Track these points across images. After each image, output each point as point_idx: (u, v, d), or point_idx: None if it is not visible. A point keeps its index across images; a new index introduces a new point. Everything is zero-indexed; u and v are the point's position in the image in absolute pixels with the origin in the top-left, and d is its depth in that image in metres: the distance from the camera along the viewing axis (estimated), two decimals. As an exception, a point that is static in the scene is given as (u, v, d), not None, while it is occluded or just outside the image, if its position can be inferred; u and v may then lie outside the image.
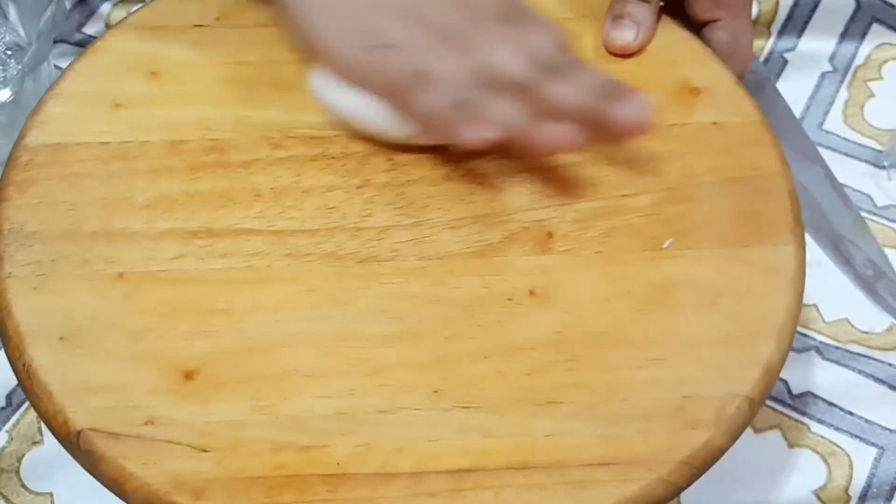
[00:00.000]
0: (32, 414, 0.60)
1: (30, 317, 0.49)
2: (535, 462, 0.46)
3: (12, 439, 0.59)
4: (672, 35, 0.59)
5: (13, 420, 0.60)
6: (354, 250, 0.51)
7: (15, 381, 0.49)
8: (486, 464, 0.46)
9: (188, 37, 0.57)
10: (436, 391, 0.48)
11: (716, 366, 0.48)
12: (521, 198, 0.53)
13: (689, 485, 0.46)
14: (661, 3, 0.59)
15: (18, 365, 0.48)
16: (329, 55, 0.53)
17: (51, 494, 0.58)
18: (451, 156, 0.54)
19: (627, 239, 0.52)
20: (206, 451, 0.46)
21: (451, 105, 0.50)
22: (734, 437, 0.47)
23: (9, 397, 0.61)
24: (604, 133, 0.51)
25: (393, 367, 0.48)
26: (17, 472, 0.59)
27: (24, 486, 0.59)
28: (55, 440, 0.47)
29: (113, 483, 0.46)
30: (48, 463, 0.59)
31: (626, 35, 0.58)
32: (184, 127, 0.54)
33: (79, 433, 0.46)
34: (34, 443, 0.60)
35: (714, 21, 0.59)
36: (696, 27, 0.59)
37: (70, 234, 0.51)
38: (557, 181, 0.53)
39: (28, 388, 0.48)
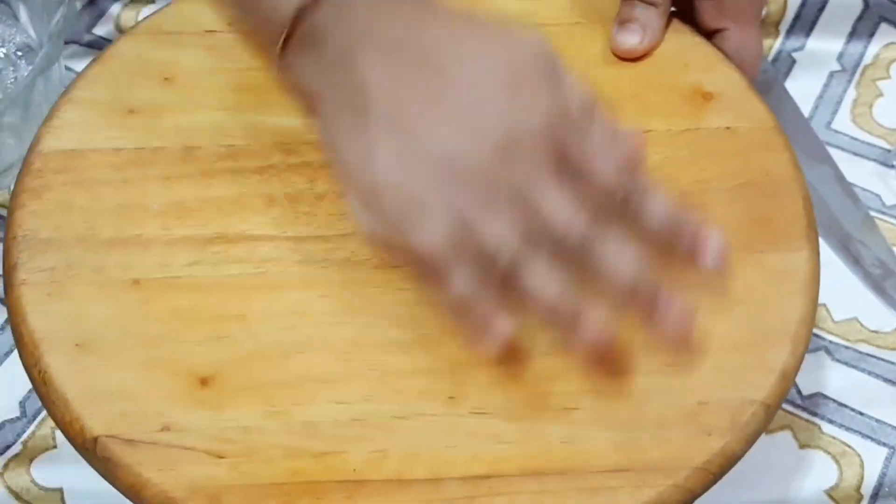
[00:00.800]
0: (48, 425, 0.60)
1: (45, 323, 0.49)
2: (550, 468, 0.46)
3: (26, 448, 0.59)
4: (684, 39, 0.59)
5: (28, 432, 0.60)
6: (369, 256, 0.51)
7: (28, 388, 0.49)
8: (500, 470, 0.46)
9: (201, 42, 0.57)
10: (451, 397, 0.48)
11: (731, 372, 0.48)
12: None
13: (704, 491, 0.46)
14: (672, 9, 0.59)
15: (34, 372, 0.48)
16: (359, 214, 0.45)
17: (61, 490, 0.58)
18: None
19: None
20: (221, 457, 0.46)
21: (483, 285, 0.43)
22: (750, 442, 0.47)
23: (22, 404, 0.61)
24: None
25: (408, 374, 0.48)
26: (28, 469, 0.59)
27: (33, 481, 0.58)
28: (68, 444, 0.47)
29: (129, 490, 0.46)
30: (59, 459, 0.59)
31: (632, 39, 0.58)
32: (197, 133, 0.54)
33: (95, 440, 0.46)
34: (47, 449, 0.60)
35: (722, 30, 0.59)
36: (706, 36, 0.59)
37: (84, 240, 0.51)
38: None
39: (43, 395, 0.48)
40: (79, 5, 0.73)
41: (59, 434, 0.59)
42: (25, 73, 0.68)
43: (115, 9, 0.75)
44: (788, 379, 0.48)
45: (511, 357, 0.46)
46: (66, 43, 0.71)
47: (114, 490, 0.46)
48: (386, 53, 0.44)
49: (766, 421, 0.48)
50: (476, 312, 0.44)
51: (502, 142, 0.43)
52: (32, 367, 0.48)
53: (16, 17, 0.70)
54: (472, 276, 0.43)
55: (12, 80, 0.69)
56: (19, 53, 0.70)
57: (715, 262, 0.45)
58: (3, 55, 0.69)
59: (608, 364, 0.45)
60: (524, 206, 0.43)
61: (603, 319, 0.43)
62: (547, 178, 0.43)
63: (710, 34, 0.60)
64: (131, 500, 0.46)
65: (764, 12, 0.74)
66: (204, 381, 0.48)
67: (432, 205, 0.43)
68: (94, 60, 0.57)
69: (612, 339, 0.44)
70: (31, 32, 0.70)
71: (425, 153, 0.43)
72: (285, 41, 0.46)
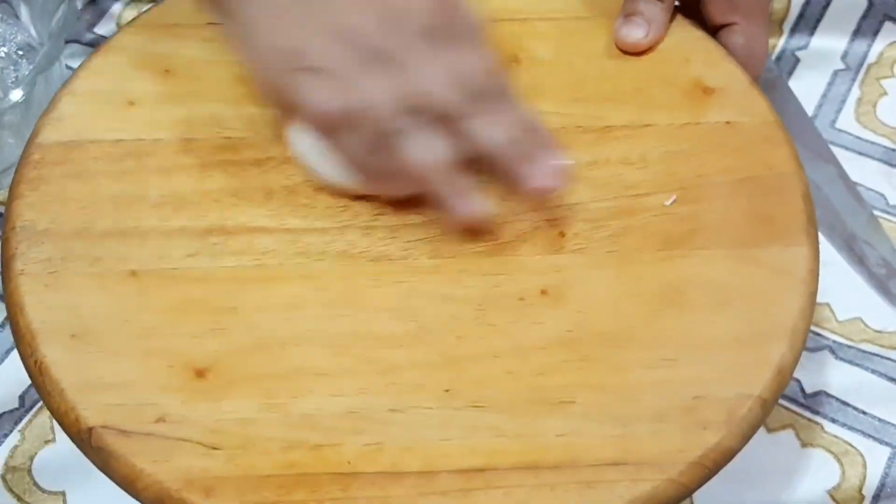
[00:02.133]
0: (45, 414, 0.60)
1: (42, 314, 0.49)
2: (546, 462, 0.46)
3: (25, 439, 0.59)
4: (686, 34, 0.59)
5: (25, 420, 0.60)
6: (366, 249, 0.51)
7: (28, 382, 0.49)
8: (496, 463, 0.46)
9: (201, 35, 0.57)
10: (447, 390, 0.47)
11: (728, 366, 0.48)
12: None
13: (700, 486, 0.46)
14: (677, 4, 0.59)
15: (30, 362, 0.48)
16: (256, 77, 0.51)
17: (63, 493, 0.58)
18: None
19: (640, 239, 0.52)
20: (217, 448, 0.46)
21: (373, 149, 0.49)
22: (746, 438, 0.47)
23: (22, 398, 0.61)
24: (513, 187, 0.50)
25: (404, 367, 0.48)
26: (30, 471, 0.59)
27: (36, 484, 0.59)
28: (67, 439, 0.47)
29: (124, 480, 0.46)
30: (60, 462, 0.59)
31: (636, 32, 0.58)
32: (196, 125, 0.54)
33: (90, 430, 0.46)
34: (46, 441, 0.60)
35: (729, 25, 0.59)
36: (712, 31, 0.59)
37: (82, 231, 0.51)
38: (570, 180, 0.53)
39: (40, 385, 0.48)
40: (79, 4, 0.73)
41: (56, 427, 0.59)
42: (26, 72, 0.68)
43: (116, 8, 0.75)
44: (786, 374, 0.48)
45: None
46: (67, 42, 0.71)
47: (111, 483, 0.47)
48: None
49: (763, 416, 0.48)
50: (371, 167, 0.49)
51: (387, 11, 0.48)
52: (29, 358, 0.48)
53: (17, 16, 0.70)
54: (360, 136, 0.48)
55: (13, 79, 0.69)
56: (20, 52, 0.70)
57: (547, 184, 0.50)
58: (3, 54, 0.69)
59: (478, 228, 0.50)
60: (402, 71, 0.48)
61: (477, 195, 0.50)
62: (425, 46, 0.49)
63: (716, 29, 0.59)
64: (126, 490, 0.46)
65: (771, 8, 0.74)
66: (200, 373, 0.48)
67: (317, 66, 0.48)
68: (94, 52, 0.57)
69: (485, 212, 0.50)
70: (32, 31, 0.70)
71: (314, 16, 0.49)
72: None
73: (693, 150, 0.54)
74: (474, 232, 0.51)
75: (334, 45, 0.48)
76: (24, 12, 0.70)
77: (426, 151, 0.49)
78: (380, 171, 0.50)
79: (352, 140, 0.49)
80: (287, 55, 0.49)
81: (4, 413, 0.60)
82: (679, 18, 0.59)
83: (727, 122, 0.55)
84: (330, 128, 0.49)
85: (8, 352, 0.62)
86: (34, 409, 0.60)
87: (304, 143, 0.51)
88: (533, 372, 0.48)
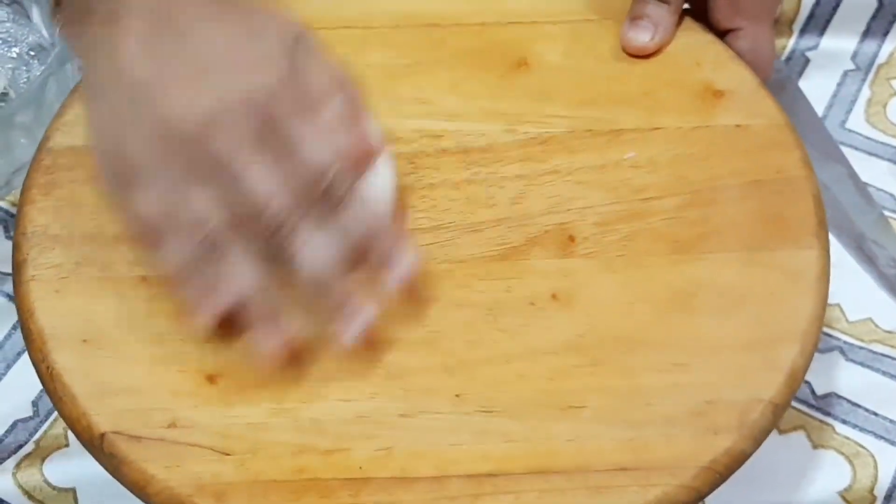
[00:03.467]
0: (59, 424, 0.60)
1: (53, 320, 0.49)
2: (557, 467, 0.46)
3: (38, 448, 0.60)
4: (695, 37, 0.58)
5: (41, 431, 0.60)
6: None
7: (39, 386, 0.49)
8: (506, 468, 0.46)
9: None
10: (457, 395, 0.47)
11: (739, 370, 0.48)
12: (542, 201, 0.53)
13: (711, 491, 0.46)
14: (685, 6, 0.59)
15: (42, 368, 0.48)
16: (101, 183, 0.47)
17: (74, 490, 0.58)
18: (473, 159, 0.54)
19: (650, 242, 0.51)
20: (228, 454, 0.46)
21: (190, 266, 0.46)
22: (758, 442, 0.47)
23: (35, 403, 0.61)
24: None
25: (414, 371, 0.48)
26: (41, 469, 0.59)
27: (46, 481, 0.59)
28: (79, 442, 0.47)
29: (135, 486, 0.46)
30: (72, 458, 0.59)
31: (642, 36, 0.57)
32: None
33: (102, 436, 0.46)
34: (59, 448, 0.60)
35: (736, 30, 0.59)
36: (719, 36, 0.59)
37: (93, 237, 0.51)
38: (579, 184, 0.53)
39: (51, 390, 0.48)
40: (91, 5, 0.73)
41: (70, 434, 0.59)
42: (38, 73, 0.68)
43: (126, 8, 0.74)
44: (797, 378, 0.48)
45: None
46: (79, 42, 0.71)
47: (124, 489, 0.47)
48: (142, 19, 0.45)
49: (775, 420, 0.47)
50: (189, 285, 0.46)
51: (213, 110, 0.44)
52: (40, 363, 0.48)
53: (28, 17, 0.70)
54: (182, 248, 0.45)
55: (25, 79, 0.69)
56: (32, 53, 0.70)
57: (399, 283, 0.48)
58: (15, 55, 0.69)
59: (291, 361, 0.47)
60: (225, 177, 0.44)
61: (288, 327, 0.46)
62: (250, 151, 0.44)
63: (723, 33, 0.59)
64: (137, 496, 0.46)
65: (778, 11, 0.74)
66: (211, 378, 0.48)
67: (145, 172, 0.45)
68: (104, 57, 0.57)
69: (293, 347, 0.47)
70: (44, 32, 0.70)
71: (146, 118, 0.45)
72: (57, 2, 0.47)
73: (703, 154, 0.54)
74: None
75: (156, 152, 0.45)
76: (35, 13, 0.70)
77: (241, 272, 0.45)
78: (198, 286, 0.46)
79: (171, 252, 0.46)
80: (114, 160, 0.46)
81: (18, 421, 0.60)
82: (688, 21, 0.59)
83: (737, 126, 0.55)
84: (148, 240, 0.46)
85: (19, 354, 0.62)
86: (49, 421, 0.60)
87: None
88: (543, 376, 0.48)
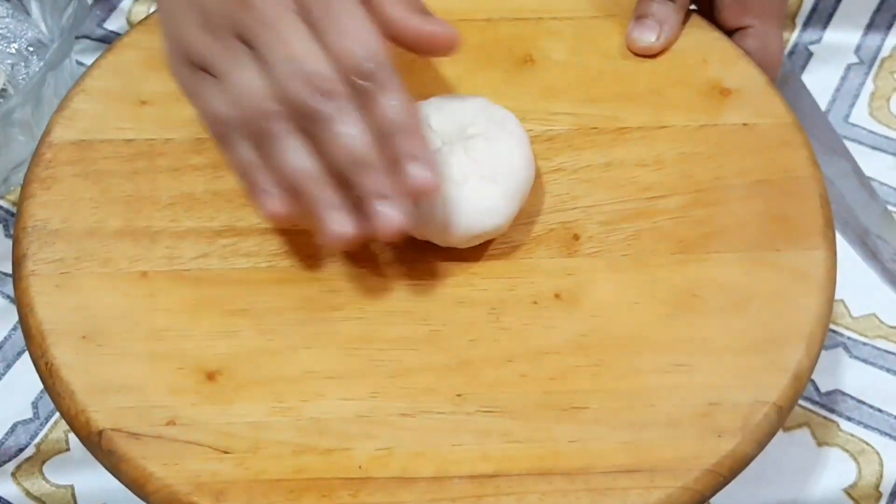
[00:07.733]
0: (60, 428, 0.60)
1: (52, 315, 0.49)
2: (559, 468, 0.46)
3: (39, 451, 0.59)
4: (703, 35, 0.58)
5: (42, 434, 0.60)
6: (379, 251, 0.51)
7: (40, 387, 0.49)
8: (508, 469, 0.46)
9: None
10: (458, 395, 0.47)
11: (743, 372, 0.48)
12: (547, 199, 0.52)
13: (714, 493, 0.46)
14: (693, 8, 0.59)
15: (41, 364, 0.48)
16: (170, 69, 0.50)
17: (72, 487, 0.58)
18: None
19: (655, 241, 0.51)
20: (227, 452, 0.46)
21: (253, 156, 0.47)
22: (762, 445, 0.47)
23: (35, 405, 0.61)
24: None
25: (415, 370, 0.48)
26: (40, 467, 0.59)
27: (45, 478, 0.58)
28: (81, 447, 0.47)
29: (134, 484, 0.46)
30: (72, 463, 0.59)
31: (648, 35, 0.57)
32: (208, 124, 0.54)
33: (100, 433, 0.46)
34: (59, 451, 0.59)
35: (744, 28, 0.59)
36: (726, 34, 0.59)
37: (93, 231, 0.51)
38: (584, 182, 0.53)
39: (50, 387, 0.48)
40: (90, 0, 0.73)
41: (72, 437, 0.59)
42: (37, 69, 0.68)
43: (126, 3, 0.74)
44: (802, 380, 0.48)
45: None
46: (78, 38, 0.71)
47: (124, 490, 0.46)
48: None
49: (779, 423, 0.47)
50: (257, 173, 0.47)
51: None
52: (39, 359, 0.48)
53: (27, 13, 0.70)
54: (243, 139, 0.47)
55: (24, 75, 0.69)
56: (31, 49, 0.69)
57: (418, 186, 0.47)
58: (14, 50, 0.69)
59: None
60: (273, 62, 0.46)
61: (347, 215, 0.46)
62: (292, 20, 0.46)
63: (730, 32, 0.59)
64: (136, 494, 0.46)
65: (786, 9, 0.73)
66: (211, 376, 0.47)
67: (200, 53, 0.47)
68: (106, 50, 0.57)
69: (360, 229, 0.46)
70: (43, 27, 0.69)
71: (187, 5, 0.47)
72: None
73: (709, 152, 0.54)
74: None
75: (205, 35, 0.47)
76: (34, 8, 0.70)
77: (296, 158, 0.46)
78: (262, 182, 0.47)
79: (236, 147, 0.47)
80: (174, 45, 0.48)
81: (18, 423, 0.60)
82: (696, 19, 0.59)
83: (744, 124, 0.55)
84: (219, 135, 0.48)
85: (19, 355, 0.62)
86: (49, 423, 0.60)
87: None
88: (546, 376, 0.48)
